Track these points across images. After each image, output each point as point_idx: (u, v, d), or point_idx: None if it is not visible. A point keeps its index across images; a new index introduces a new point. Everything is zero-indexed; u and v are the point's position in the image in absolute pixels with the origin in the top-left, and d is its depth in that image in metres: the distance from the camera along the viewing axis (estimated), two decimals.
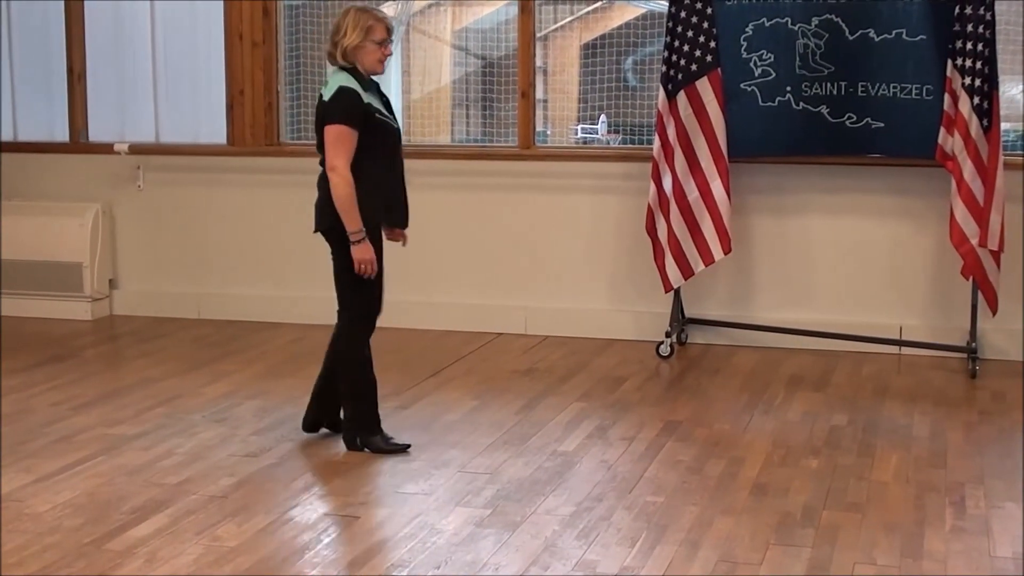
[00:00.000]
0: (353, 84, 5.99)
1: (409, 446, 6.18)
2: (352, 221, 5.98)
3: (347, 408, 6.25)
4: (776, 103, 8.05)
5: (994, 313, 7.78)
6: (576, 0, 10.09)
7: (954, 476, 5.83)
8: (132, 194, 9.46)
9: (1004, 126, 8.23)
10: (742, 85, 8.06)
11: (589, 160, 8.76)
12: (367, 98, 6.02)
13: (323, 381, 6.41)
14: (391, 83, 10.60)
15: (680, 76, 7.94)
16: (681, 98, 7.94)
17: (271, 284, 9.28)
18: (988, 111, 7.46)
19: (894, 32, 7.80)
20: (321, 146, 6.07)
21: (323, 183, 6.12)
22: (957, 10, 7.49)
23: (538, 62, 9.42)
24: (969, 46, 7.45)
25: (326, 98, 6.03)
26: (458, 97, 10.41)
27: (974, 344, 7.84)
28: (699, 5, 7.89)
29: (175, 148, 9.48)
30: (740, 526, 5.18)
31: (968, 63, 7.46)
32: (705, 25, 7.91)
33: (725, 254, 8.00)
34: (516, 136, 8.90)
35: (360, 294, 6.14)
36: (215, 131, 9.38)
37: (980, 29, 7.41)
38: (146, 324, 9.16)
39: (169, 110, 9.60)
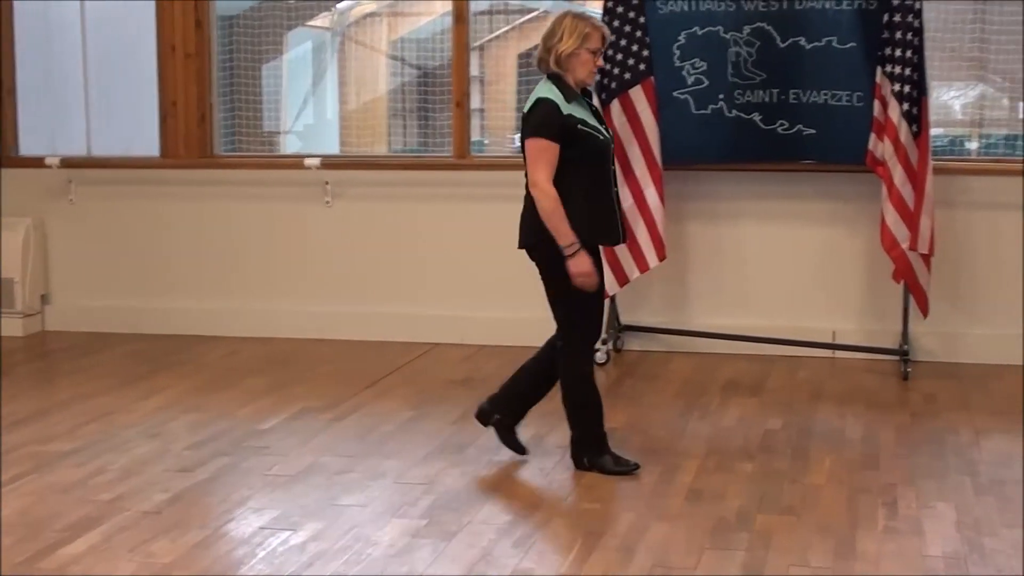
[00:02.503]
0: (554, 95, 5.71)
1: (639, 466, 5.98)
2: (563, 235, 5.65)
3: (574, 429, 6.00)
4: (709, 111, 8.10)
5: (925, 316, 7.86)
6: (511, 11, 10.12)
7: (886, 477, 5.89)
8: (64, 208, 9.39)
9: (936, 131, 8.33)
10: (675, 93, 8.10)
11: (523, 169, 8.75)
12: (569, 109, 5.71)
13: (521, 380, 6.22)
14: (326, 94, 10.61)
15: (613, 85, 7.98)
16: (615, 106, 7.98)
17: (206, 297, 9.23)
18: (918, 117, 7.54)
19: (824, 40, 7.87)
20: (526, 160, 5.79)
21: (527, 199, 5.86)
22: (886, 18, 7.56)
23: (475, 72, 9.45)
24: (898, 53, 7.52)
25: (526, 110, 5.80)
26: (395, 107, 10.41)
27: (906, 347, 7.92)
28: (632, 14, 7.94)
29: (107, 161, 9.41)
30: (675, 531, 5.20)
31: (897, 70, 7.53)
32: (638, 34, 7.96)
33: (660, 261, 8.04)
34: (452, 146, 8.91)
35: (575, 312, 5.86)
36: (148, 144, 9.32)
37: (909, 36, 7.49)
38: (79, 339, 9.09)
39: (101, 123, 9.54)
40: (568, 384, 5.98)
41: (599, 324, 5.99)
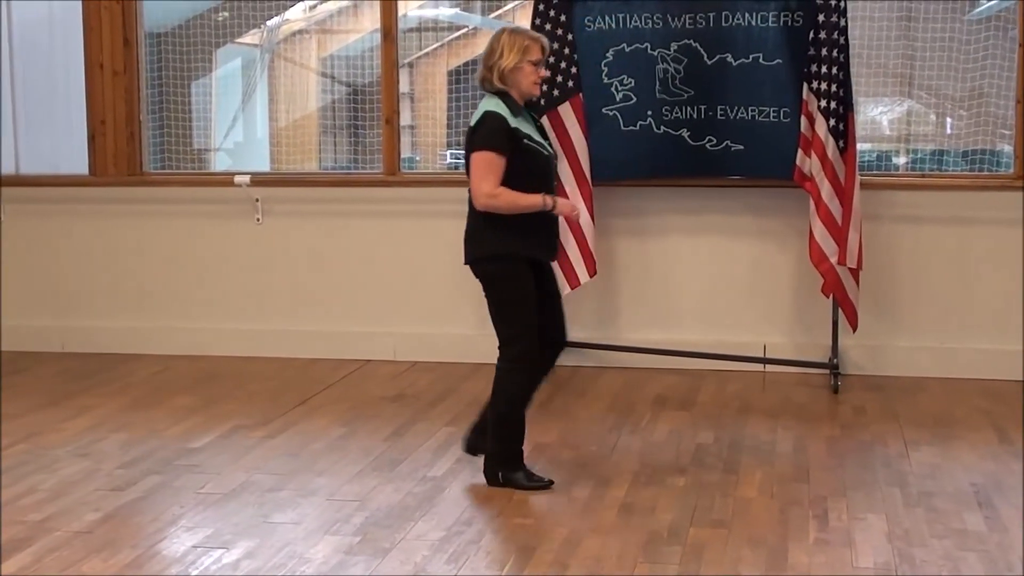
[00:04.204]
0: (501, 109, 5.78)
1: (552, 482, 6.01)
2: (533, 203, 5.76)
3: (493, 443, 6.04)
4: (638, 127, 8.14)
5: (854, 329, 7.94)
6: (441, 28, 10.14)
7: (817, 490, 5.94)
8: None
9: (864, 146, 8.42)
10: (604, 110, 8.14)
11: (454, 186, 8.75)
12: (515, 123, 5.79)
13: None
14: (256, 111, 10.57)
15: (542, 101, 7.99)
16: (544, 123, 7.99)
17: (134, 315, 9.17)
18: (844, 132, 7.62)
19: (751, 56, 7.93)
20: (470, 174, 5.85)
21: (471, 214, 5.89)
22: (812, 35, 7.64)
23: (405, 89, 9.46)
24: (824, 69, 7.60)
25: (472, 124, 5.84)
26: (325, 124, 10.39)
27: (835, 360, 7.99)
28: (559, 31, 7.97)
29: (36, 179, 9.35)
30: (608, 546, 5.22)
31: (824, 86, 7.61)
32: (565, 51, 8.00)
33: (591, 277, 8.07)
34: (382, 162, 8.90)
35: (515, 328, 5.91)
36: (76, 162, 9.26)
37: (835, 53, 7.57)
38: (6, 359, 8.97)
39: (29, 141, 9.47)
40: (500, 401, 6.00)
41: (537, 342, 5.99)
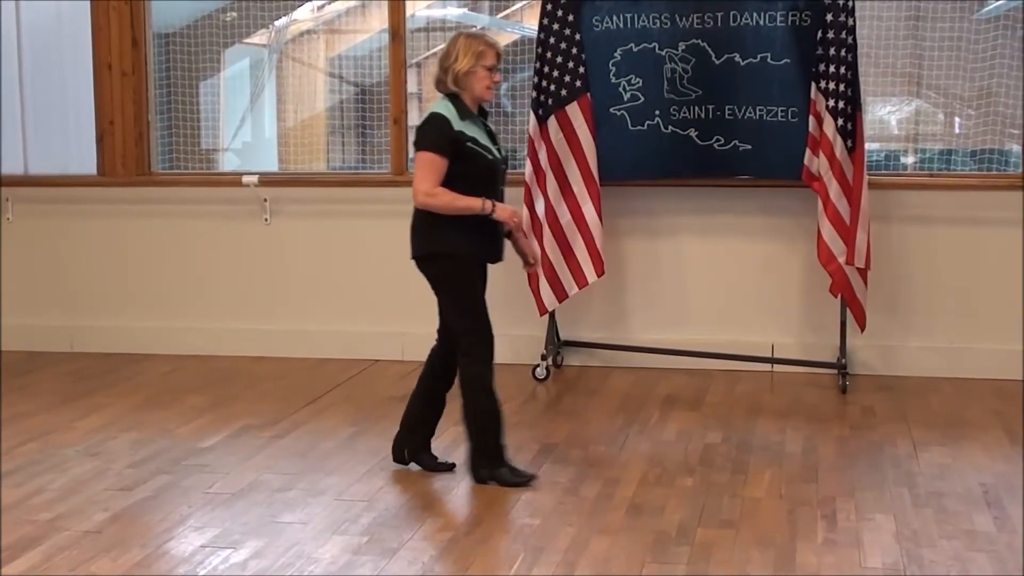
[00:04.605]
0: (448, 111, 5.91)
1: (536, 476, 6.08)
2: (472, 207, 5.86)
3: (473, 440, 6.10)
4: (645, 127, 8.14)
5: (862, 330, 7.93)
6: (449, 28, 10.13)
7: (825, 490, 5.93)
8: (1, 227, 9.31)
9: (872, 146, 8.41)
10: (612, 109, 8.14)
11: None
12: (460, 126, 5.90)
13: (413, 407, 6.36)
14: (264, 111, 10.58)
15: (550, 101, 8.00)
16: (552, 123, 8.01)
17: (143, 315, 9.19)
18: (852, 132, 7.61)
19: (759, 56, 7.92)
20: None
21: (415, 210, 6.03)
22: (820, 35, 7.63)
23: (413, 89, 9.44)
24: (832, 69, 7.59)
25: (419, 124, 5.98)
26: (333, 124, 10.39)
27: (844, 360, 7.98)
28: (568, 31, 7.97)
29: (45, 179, 9.37)
30: (616, 546, 5.23)
31: (832, 86, 7.60)
32: (574, 51, 7.99)
33: (598, 276, 8.07)
34: (390, 162, 8.91)
35: (468, 318, 6.03)
36: (85, 162, 9.28)
37: (843, 53, 7.56)
38: (17, 359, 9.01)
39: (38, 141, 9.48)
40: (469, 396, 6.07)
41: (491, 329, 6.08)
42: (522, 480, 6.02)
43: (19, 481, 6.16)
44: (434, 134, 5.88)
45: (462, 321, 6.05)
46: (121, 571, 5.00)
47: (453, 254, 5.97)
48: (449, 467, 6.26)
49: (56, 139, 9.57)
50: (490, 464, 6.05)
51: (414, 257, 6.10)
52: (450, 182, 5.87)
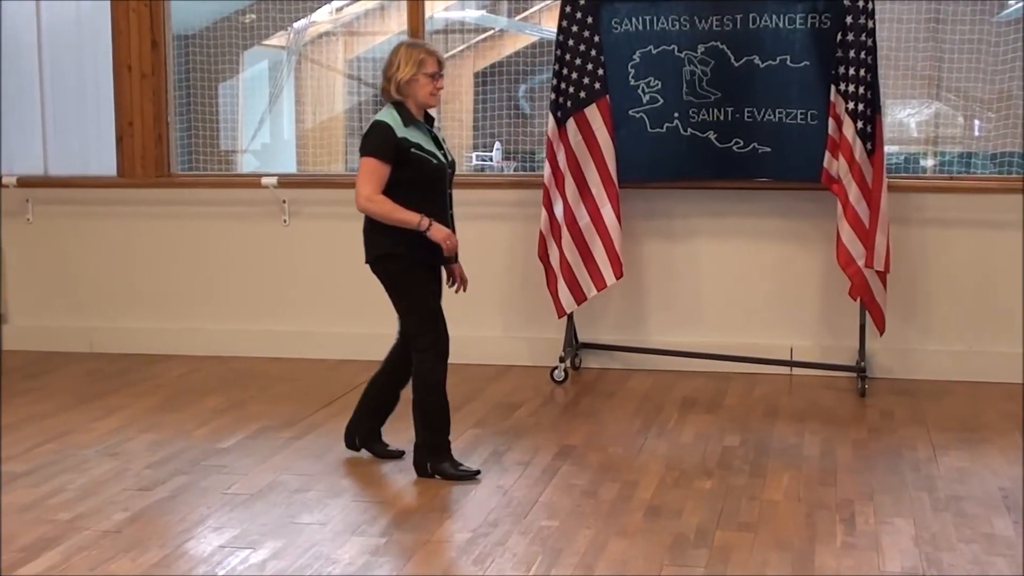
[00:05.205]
0: (391, 119, 6.07)
1: (479, 472, 6.22)
2: (408, 221, 6.01)
3: (420, 434, 6.25)
4: (664, 129, 8.13)
5: (881, 333, 7.91)
6: (467, 30, 10.14)
7: (844, 493, 5.92)
8: (21, 227, 9.35)
9: (891, 148, 8.39)
10: (630, 112, 8.14)
11: (480, 187, 8.78)
12: (404, 133, 6.05)
13: (367, 397, 6.61)
14: (283, 113, 10.60)
15: (569, 103, 8.00)
16: (570, 125, 8.00)
17: (163, 316, 9.21)
18: (871, 135, 7.60)
19: (778, 59, 7.92)
20: None
21: (366, 216, 6.19)
22: (839, 37, 7.62)
23: None
24: (852, 72, 7.58)
25: (364, 131, 6.15)
26: (351, 126, 10.41)
27: (863, 363, 7.96)
28: (586, 33, 7.97)
29: (64, 180, 9.39)
30: (634, 548, 5.22)
31: (851, 88, 7.59)
32: (593, 53, 7.99)
33: (617, 279, 8.06)
34: None
35: (421, 318, 6.18)
36: (105, 163, 9.30)
37: (862, 55, 7.55)
38: (36, 359, 9.04)
39: (58, 142, 9.51)
40: (420, 392, 6.22)
41: (446, 330, 6.21)
42: (464, 475, 6.17)
43: (38, 481, 6.18)
44: (377, 140, 6.05)
45: (413, 320, 6.21)
46: (140, 571, 5.01)
47: (398, 255, 6.12)
48: (398, 455, 6.48)
49: (76, 140, 9.60)
50: (434, 458, 6.20)
51: (366, 263, 6.26)
52: (396, 187, 6.04)
